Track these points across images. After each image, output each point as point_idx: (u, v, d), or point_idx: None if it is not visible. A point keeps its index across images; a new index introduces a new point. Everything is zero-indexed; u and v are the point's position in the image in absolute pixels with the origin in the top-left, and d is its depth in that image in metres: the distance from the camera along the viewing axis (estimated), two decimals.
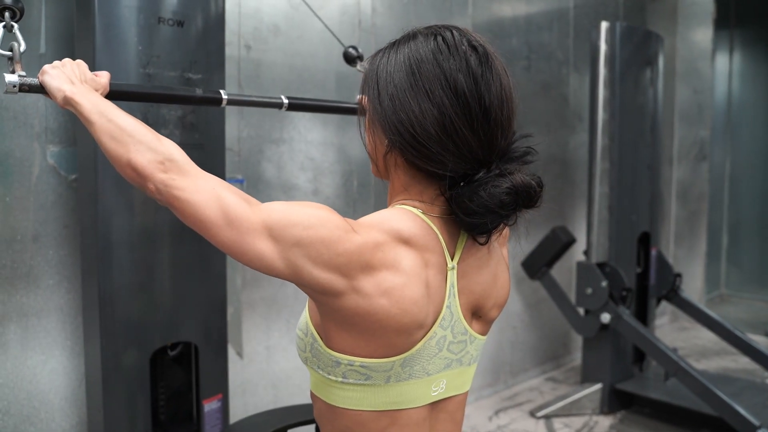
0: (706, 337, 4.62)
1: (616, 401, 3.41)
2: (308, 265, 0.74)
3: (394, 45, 0.85)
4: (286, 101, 1.50)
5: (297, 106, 1.54)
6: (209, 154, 1.96)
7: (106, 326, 1.81)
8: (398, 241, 0.78)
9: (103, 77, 1.08)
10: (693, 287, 5.25)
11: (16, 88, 1.06)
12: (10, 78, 1.06)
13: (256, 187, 2.53)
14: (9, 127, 1.91)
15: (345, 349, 0.80)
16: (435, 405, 0.87)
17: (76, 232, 2.04)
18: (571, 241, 3.42)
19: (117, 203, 1.80)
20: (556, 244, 3.38)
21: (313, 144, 2.71)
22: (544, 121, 3.87)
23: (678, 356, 3.02)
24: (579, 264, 3.36)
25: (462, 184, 0.79)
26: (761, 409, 2.98)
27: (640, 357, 3.63)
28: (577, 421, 3.29)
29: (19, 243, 1.94)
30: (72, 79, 0.99)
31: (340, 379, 0.81)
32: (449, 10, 3.22)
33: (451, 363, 0.85)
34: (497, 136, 0.80)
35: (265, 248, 0.74)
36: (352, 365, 0.80)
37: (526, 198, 0.78)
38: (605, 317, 3.21)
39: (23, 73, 1.08)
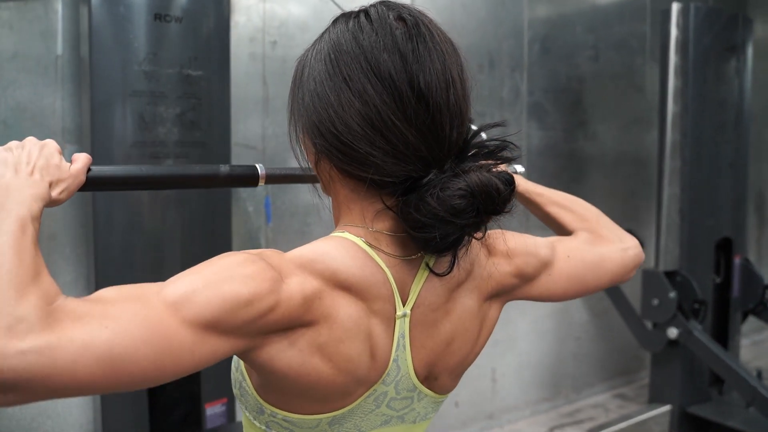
0: None
1: (687, 427, 3.06)
2: (237, 334, 0.60)
3: (321, 35, 0.71)
4: None
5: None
6: (212, 153, 1.92)
7: None
8: (335, 287, 0.64)
9: (78, 162, 0.76)
10: None
11: None
12: None
13: (282, 187, 2.47)
14: (26, 127, 1.96)
15: (269, 400, 0.68)
16: None
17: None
18: None
19: (125, 203, 1.81)
20: None
21: None
22: (614, 117, 3.56)
23: (758, 381, 2.66)
24: (645, 272, 3.05)
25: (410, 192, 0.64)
26: None
27: (719, 378, 3.25)
28: None
29: None
30: (18, 168, 0.68)
31: (263, 428, 0.71)
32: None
33: (390, 420, 0.73)
34: (443, 126, 0.64)
35: (195, 346, 0.57)
36: (274, 417, 0.69)
37: (486, 201, 0.62)
38: (672, 332, 2.89)
39: None
